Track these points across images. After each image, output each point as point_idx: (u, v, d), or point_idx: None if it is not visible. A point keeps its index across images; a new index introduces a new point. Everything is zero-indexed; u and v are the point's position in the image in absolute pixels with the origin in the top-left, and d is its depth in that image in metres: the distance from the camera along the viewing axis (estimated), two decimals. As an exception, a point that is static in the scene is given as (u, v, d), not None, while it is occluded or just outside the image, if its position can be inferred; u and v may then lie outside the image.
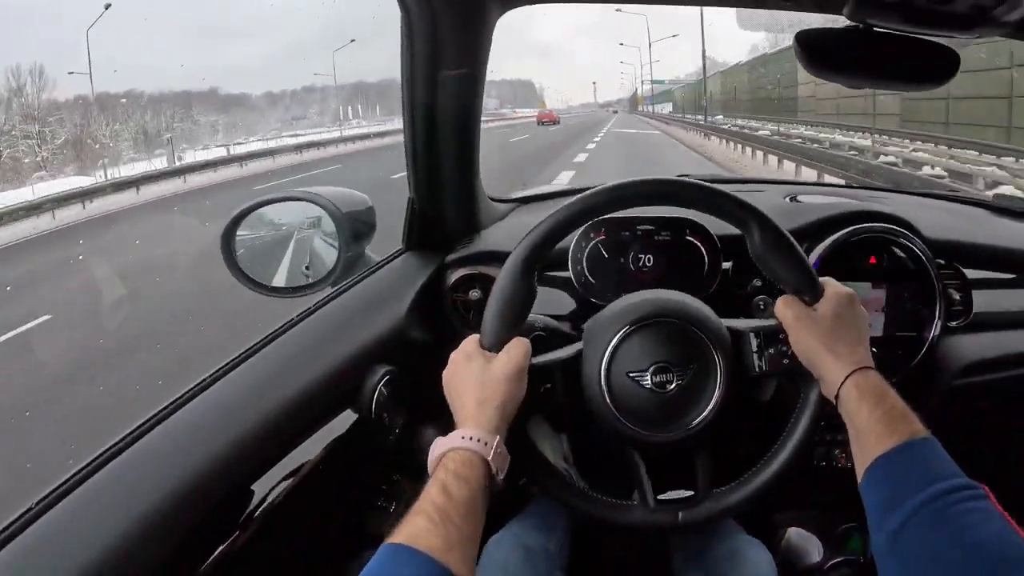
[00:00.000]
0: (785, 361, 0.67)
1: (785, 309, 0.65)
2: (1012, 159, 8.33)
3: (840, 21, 0.69)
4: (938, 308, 0.95)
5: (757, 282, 0.95)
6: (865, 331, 0.65)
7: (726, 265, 0.96)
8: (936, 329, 0.95)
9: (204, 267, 4.06)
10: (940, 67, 0.70)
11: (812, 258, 0.94)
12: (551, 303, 0.96)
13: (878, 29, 0.68)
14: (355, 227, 0.97)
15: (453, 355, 0.66)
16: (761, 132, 16.29)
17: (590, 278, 0.96)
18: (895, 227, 0.96)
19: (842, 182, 6.49)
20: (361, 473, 0.84)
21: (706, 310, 0.69)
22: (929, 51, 0.69)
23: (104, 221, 9.42)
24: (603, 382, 0.66)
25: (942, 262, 0.98)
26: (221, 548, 0.60)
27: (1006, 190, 6.73)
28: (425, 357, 0.83)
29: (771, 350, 0.67)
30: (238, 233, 0.94)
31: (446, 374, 0.65)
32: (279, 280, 0.99)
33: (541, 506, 0.92)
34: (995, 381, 1.00)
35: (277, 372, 0.74)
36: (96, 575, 0.51)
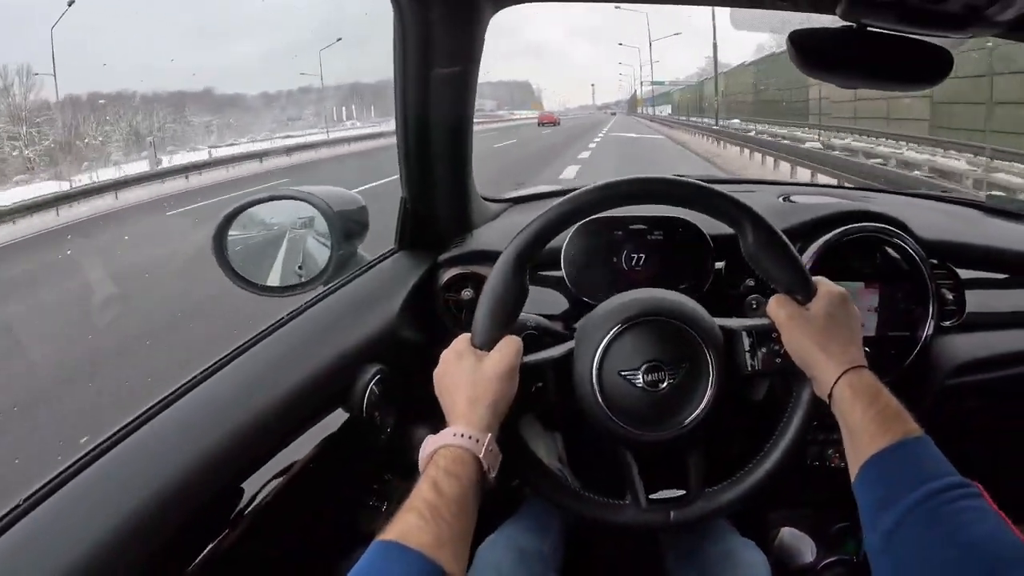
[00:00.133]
0: (778, 360, 0.66)
1: (778, 308, 0.65)
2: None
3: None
4: (931, 308, 0.95)
5: (750, 281, 0.95)
6: (858, 330, 0.65)
7: (719, 264, 0.96)
8: (929, 329, 0.95)
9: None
10: (933, 67, 0.71)
11: (805, 258, 0.94)
12: (544, 302, 0.96)
13: (872, 29, 0.68)
14: (347, 226, 0.96)
15: (444, 354, 0.65)
16: (809, 143, 12.01)
17: (582, 277, 0.96)
18: (888, 227, 0.96)
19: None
20: (352, 472, 0.83)
21: (699, 309, 0.69)
22: (922, 51, 0.69)
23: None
24: (595, 381, 0.66)
25: (935, 262, 0.99)
26: (211, 546, 0.59)
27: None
28: (417, 356, 0.82)
29: (764, 349, 0.67)
30: (230, 233, 0.93)
31: (437, 373, 0.65)
32: (273, 279, 0.98)
33: (534, 508, 0.92)
34: (988, 381, 1.01)
35: (268, 370, 0.74)
36: (84, 572, 0.50)
